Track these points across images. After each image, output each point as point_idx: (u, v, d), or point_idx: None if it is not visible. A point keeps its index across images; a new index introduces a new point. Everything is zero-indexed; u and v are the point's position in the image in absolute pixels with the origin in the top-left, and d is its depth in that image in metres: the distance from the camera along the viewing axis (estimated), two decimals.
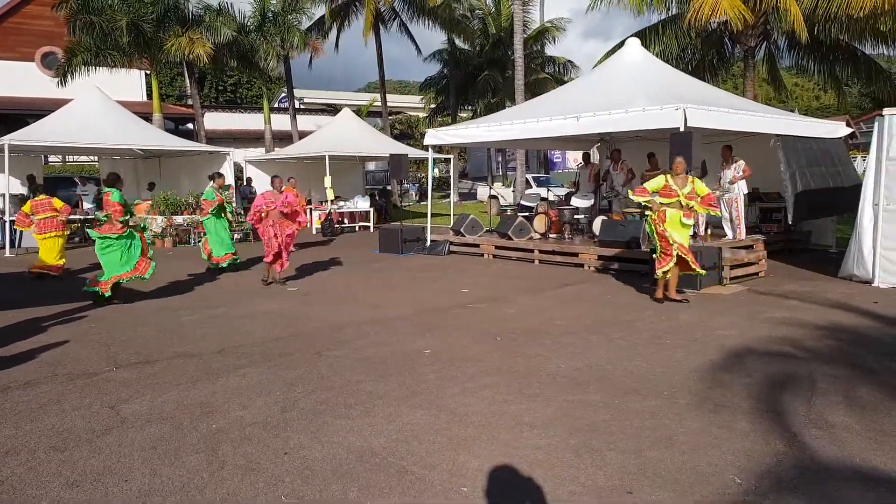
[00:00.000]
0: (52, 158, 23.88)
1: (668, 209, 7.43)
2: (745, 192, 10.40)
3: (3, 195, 13.79)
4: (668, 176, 7.55)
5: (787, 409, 4.16)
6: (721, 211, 10.39)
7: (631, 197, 8.10)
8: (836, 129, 11.41)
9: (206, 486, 3.24)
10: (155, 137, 16.73)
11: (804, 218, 10.66)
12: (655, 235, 7.51)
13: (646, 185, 7.75)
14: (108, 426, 4.02)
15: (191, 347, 5.89)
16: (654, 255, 7.64)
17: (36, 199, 9.92)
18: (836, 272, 8.87)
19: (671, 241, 7.36)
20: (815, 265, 9.79)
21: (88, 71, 19.03)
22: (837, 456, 3.49)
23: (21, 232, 13.25)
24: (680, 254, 7.37)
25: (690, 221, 7.56)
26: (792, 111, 13.17)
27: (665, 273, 7.46)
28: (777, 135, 10.02)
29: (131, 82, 25.60)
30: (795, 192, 9.83)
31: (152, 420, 4.11)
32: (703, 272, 7.70)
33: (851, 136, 12.48)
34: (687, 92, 9.95)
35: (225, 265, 10.26)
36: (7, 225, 13.24)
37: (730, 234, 10.29)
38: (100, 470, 3.42)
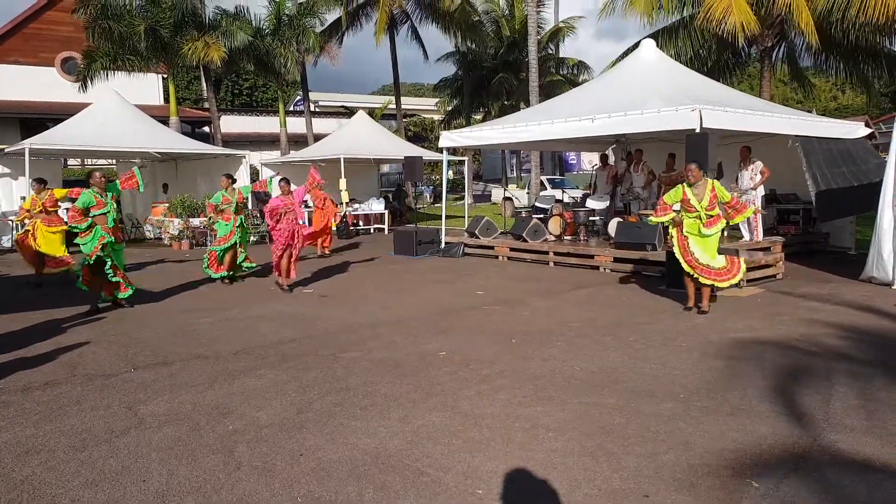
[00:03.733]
0: (71, 162, 24.23)
1: (685, 217, 6.95)
2: (763, 193, 10.29)
3: (23, 198, 14.01)
4: (684, 186, 6.97)
5: (805, 413, 4.11)
6: None
7: (650, 220, 7.62)
8: (855, 129, 11.26)
9: (223, 486, 3.26)
10: (172, 140, 16.92)
11: (832, 217, 10.49)
12: (678, 252, 7.04)
13: (664, 198, 7.20)
14: (126, 427, 4.06)
15: (207, 349, 5.94)
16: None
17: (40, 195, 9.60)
18: (855, 274, 8.74)
19: (688, 258, 6.93)
20: (834, 267, 9.66)
21: (107, 75, 19.30)
22: (859, 460, 3.44)
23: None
24: (697, 275, 6.90)
25: (712, 230, 6.87)
26: (809, 112, 13.02)
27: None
28: (795, 136, 9.91)
29: (149, 86, 25.94)
30: (819, 190, 9.70)
31: (169, 421, 4.15)
32: (724, 285, 7.08)
33: (871, 136, 12.29)
34: (702, 93, 9.88)
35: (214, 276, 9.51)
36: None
37: (747, 235, 10.19)
38: (118, 470, 3.46)
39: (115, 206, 7.72)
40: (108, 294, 7.86)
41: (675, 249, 7.13)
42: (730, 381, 4.74)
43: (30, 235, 9.50)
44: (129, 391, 4.75)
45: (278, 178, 9.35)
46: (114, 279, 7.69)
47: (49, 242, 9.51)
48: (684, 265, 7.01)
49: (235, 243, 9.41)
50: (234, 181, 9.83)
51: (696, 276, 6.97)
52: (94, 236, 7.47)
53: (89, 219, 7.44)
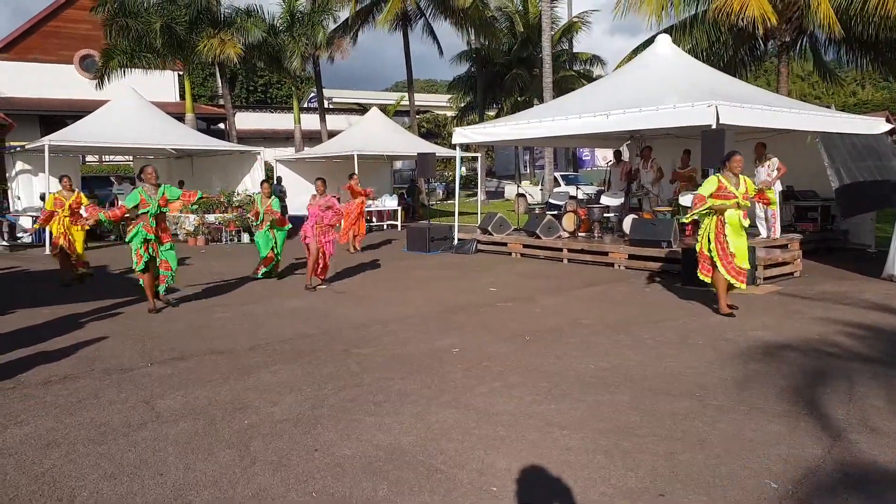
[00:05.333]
0: (89, 158, 24.52)
1: (726, 213, 6.67)
2: (780, 189, 10.17)
3: (44, 194, 14.19)
4: (720, 176, 6.73)
5: (824, 412, 4.06)
6: (755, 209, 10.18)
7: (686, 217, 7.26)
8: (876, 124, 11.09)
9: (238, 481, 3.29)
10: (187, 137, 17.06)
11: (855, 212, 10.34)
12: (711, 241, 6.76)
13: (700, 190, 6.88)
14: (143, 420, 4.11)
15: (223, 344, 5.99)
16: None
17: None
18: (874, 272, 8.62)
19: (720, 248, 6.68)
20: (853, 265, 9.52)
21: (124, 73, 19.51)
22: (878, 461, 3.39)
23: None
24: (726, 272, 6.65)
25: (746, 222, 6.80)
26: (828, 107, 12.83)
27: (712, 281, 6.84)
28: (815, 132, 9.78)
29: (165, 83, 26.18)
30: (843, 184, 9.56)
31: (186, 415, 4.19)
32: (743, 286, 6.84)
33: (892, 132, 12.09)
34: (719, 88, 9.76)
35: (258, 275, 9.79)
36: None
37: (764, 232, 10.06)
38: (136, 463, 3.50)
39: (158, 205, 7.54)
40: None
41: (705, 241, 6.78)
42: (746, 380, 4.70)
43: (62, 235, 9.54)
44: (147, 385, 4.80)
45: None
46: (162, 273, 7.65)
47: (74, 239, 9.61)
48: (717, 261, 6.70)
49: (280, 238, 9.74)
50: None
51: (725, 273, 6.66)
52: (136, 233, 7.49)
53: (128, 213, 7.55)
